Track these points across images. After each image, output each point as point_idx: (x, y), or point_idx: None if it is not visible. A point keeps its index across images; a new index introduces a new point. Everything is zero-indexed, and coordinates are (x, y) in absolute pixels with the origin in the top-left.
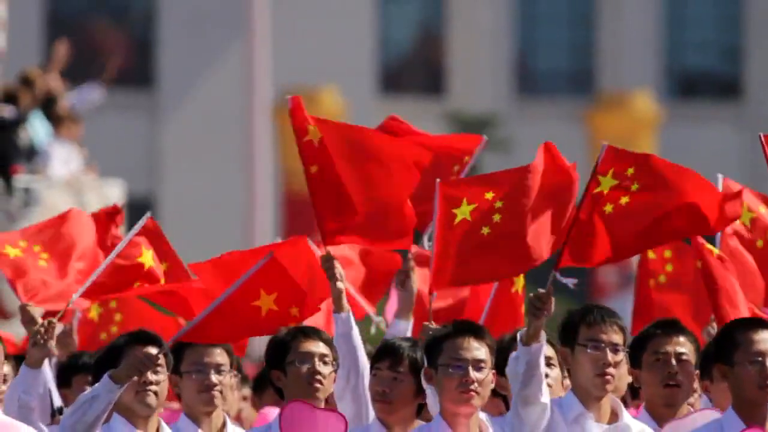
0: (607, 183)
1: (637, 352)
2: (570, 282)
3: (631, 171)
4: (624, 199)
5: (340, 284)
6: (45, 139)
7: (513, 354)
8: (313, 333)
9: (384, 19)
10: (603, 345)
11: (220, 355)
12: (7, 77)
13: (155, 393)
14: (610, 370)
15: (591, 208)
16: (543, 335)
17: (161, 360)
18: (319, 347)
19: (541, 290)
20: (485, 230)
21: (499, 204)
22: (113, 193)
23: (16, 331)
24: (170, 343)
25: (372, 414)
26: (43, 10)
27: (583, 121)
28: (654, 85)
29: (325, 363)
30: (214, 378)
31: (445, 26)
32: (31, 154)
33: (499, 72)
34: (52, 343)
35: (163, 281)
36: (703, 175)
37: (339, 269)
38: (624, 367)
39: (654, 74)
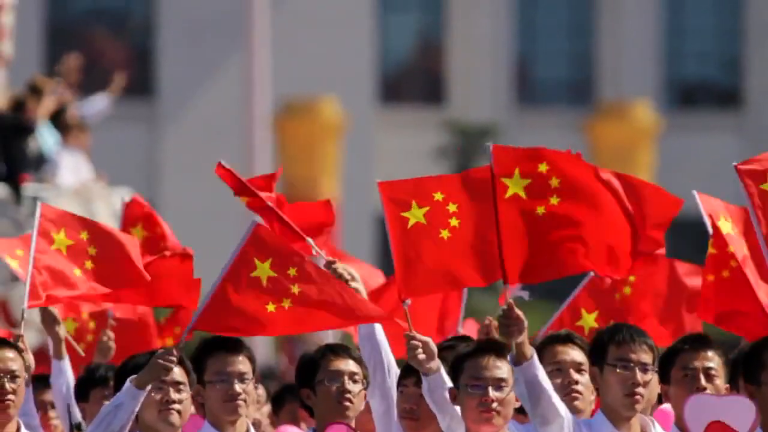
0: (516, 184)
1: (665, 367)
2: (524, 295)
3: (544, 167)
4: (553, 200)
5: (355, 284)
6: (53, 148)
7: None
8: (343, 351)
9: (383, 29)
10: (632, 365)
11: (242, 363)
12: (8, 85)
13: (178, 412)
14: (640, 390)
15: (515, 213)
16: (530, 351)
17: (184, 379)
18: (349, 365)
19: (503, 308)
20: (445, 233)
21: (453, 207)
22: (121, 201)
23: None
24: (186, 334)
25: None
26: (43, 20)
27: (583, 130)
28: (654, 94)
29: (354, 381)
30: (238, 387)
31: (444, 35)
32: (39, 162)
33: (499, 81)
34: (30, 357)
35: (93, 251)
36: (703, 184)
37: (349, 270)
38: (654, 380)
39: (654, 84)
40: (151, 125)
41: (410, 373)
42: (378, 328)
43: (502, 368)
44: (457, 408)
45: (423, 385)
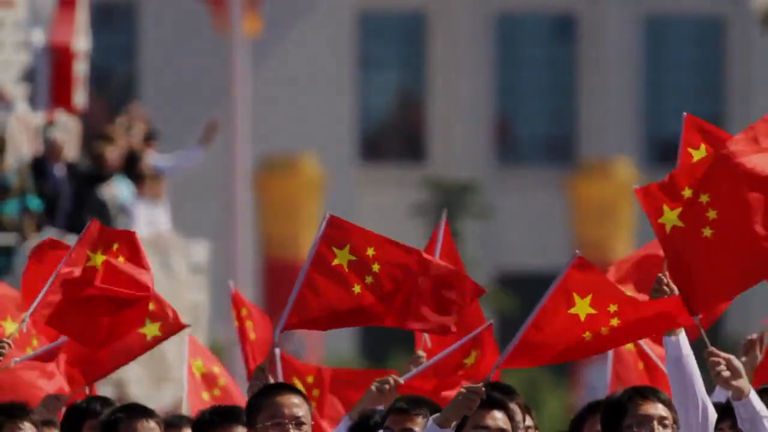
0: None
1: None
2: None
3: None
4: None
5: None
6: (129, 198)
7: None
8: (651, 394)
9: (363, 86)
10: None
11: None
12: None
13: None
14: None
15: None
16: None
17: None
18: (658, 409)
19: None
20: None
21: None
22: (198, 253)
23: None
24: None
25: None
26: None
27: (564, 188)
28: (635, 152)
29: (664, 426)
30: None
31: (424, 93)
32: (115, 213)
33: (479, 138)
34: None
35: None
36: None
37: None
38: None
39: (635, 141)
40: None
41: (728, 415)
42: (687, 356)
43: None
44: None
45: (737, 413)
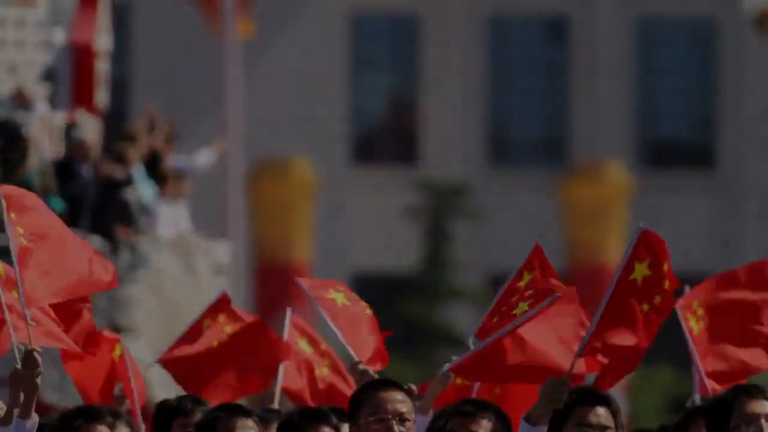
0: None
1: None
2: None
3: None
4: None
5: None
6: (151, 199)
7: None
8: (758, 392)
9: (356, 88)
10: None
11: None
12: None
13: None
14: None
15: None
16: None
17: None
18: (765, 407)
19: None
20: None
21: None
22: (220, 254)
23: None
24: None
25: None
26: None
27: (556, 190)
28: (627, 154)
29: None
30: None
31: (417, 95)
32: (137, 213)
33: (472, 140)
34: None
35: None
36: (676, 244)
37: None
38: None
39: (627, 144)
40: None
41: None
42: None
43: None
44: None
45: None
